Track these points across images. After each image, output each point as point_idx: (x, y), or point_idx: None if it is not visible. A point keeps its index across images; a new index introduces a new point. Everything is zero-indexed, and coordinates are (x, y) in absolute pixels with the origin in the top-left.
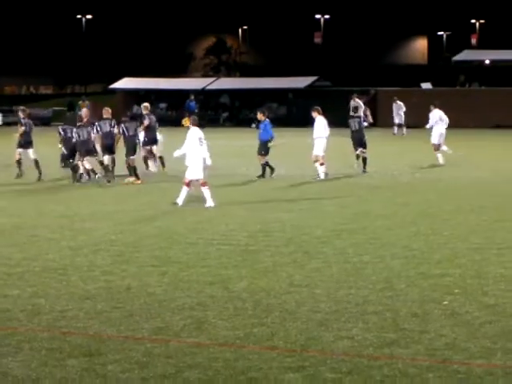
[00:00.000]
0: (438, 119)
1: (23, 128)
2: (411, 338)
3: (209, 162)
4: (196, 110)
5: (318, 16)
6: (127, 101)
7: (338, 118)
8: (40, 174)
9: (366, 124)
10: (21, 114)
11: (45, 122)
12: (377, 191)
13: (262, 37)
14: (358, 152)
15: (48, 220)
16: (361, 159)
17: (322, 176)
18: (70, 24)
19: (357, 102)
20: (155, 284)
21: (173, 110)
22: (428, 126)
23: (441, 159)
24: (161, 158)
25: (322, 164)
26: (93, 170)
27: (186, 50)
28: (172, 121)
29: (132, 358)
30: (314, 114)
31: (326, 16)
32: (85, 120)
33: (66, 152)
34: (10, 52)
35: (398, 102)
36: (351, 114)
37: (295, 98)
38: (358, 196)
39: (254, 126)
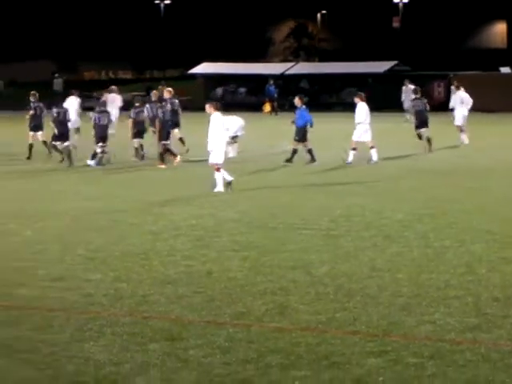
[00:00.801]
0: (459, 101)
1: (32, 112)
2: (493, 323)
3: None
4: (275, 95)
5: (396, 0)
6: (207, 85)
7: None
8: (62, 159)
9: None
10: (31, 98)
11: (124, 106)
12: (444, 176)
13: (340, 21)
14: (419, 132)
15: (126, 204)
16: (425, 139)
17: (350, 160)
18: (149, 9)
19: (409, 87)
20: (236, 269)
21: (252, 95)
22: (450, 107)
23: (465, 140)
24: (181, 139)
25: (353, 149)
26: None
27: (266, 34)
28: (252, 106)
29: (214, 343)
30: (357, 100)
31: (405, 0)
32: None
33: (56, 133)
34: (89, 38)
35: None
36: (416, 96)
37: (375, 83)
38: (427, 181)
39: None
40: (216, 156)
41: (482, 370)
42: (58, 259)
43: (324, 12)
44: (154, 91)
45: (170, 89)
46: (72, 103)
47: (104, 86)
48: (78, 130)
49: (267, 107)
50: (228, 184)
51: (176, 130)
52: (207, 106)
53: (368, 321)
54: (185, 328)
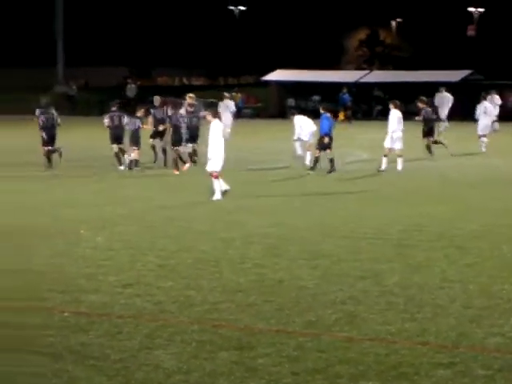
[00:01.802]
0: (482, 111)
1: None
2: None
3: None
4: (349, 103)
5: (471, 9)
6: (280, 92)
7: None
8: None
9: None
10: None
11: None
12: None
13: (414, 30)
14: (429, 139)
15: (196, 211)
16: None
17: (383, 167)
18: (223, 15)
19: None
20: (307, 277)
21: (326, 103)
22: (476, 117)
23: (483, 147)
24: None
25: (385, 155)
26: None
27: (339, 42)
28: None
29: (283, 352)
30: (391, 107)
31: (480, 9)
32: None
33: (45, 137)
34: (163, 43)
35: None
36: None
37: (449, 92)
38: (498, 190)
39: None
40: (214, 163)
41: None
42: (129, 266)
43: (399, 20)
44: (156, 96)
45: (191, 95)
46: (228, 105)
47: (177, 92)
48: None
49: (341, 115)
50: (224, 192)
51: (190, 145)
52: (206, 114)
53: (437, 332)
54: (254, 337)
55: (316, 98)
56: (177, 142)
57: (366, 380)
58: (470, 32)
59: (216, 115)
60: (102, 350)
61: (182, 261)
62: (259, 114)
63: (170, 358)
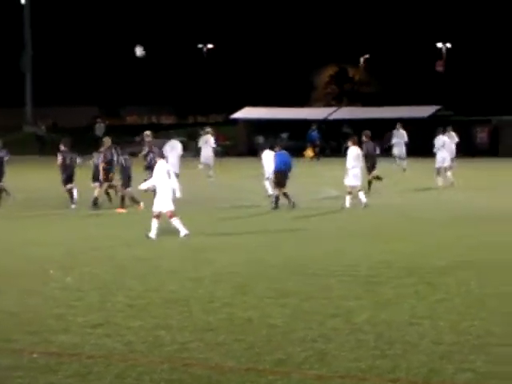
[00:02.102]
0: (441, 145)
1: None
2: None
3: (178, 194)
4: (318, 140)
5: (439, 45)
6: (249, 130)
7: (461, 148)
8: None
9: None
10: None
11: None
12: (483, 223)
13: (382, 65)
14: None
15: (164, 250)
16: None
17: (347, 205)
18: (191, 53)
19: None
20: (276, 315)
21: (295, 140)
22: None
23: (440, 182)
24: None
25: (349, 193)
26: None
27: (308, 79)
28: (294, 150)
29: None
30: (349, 144)
31: (448, 44)
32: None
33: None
34: (131, 82)
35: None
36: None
37: (417, 128)
38: (466, 228)
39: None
40: (161, 204)
41: None
42: (98, 306)
43: (367, 56)
44: (147, 132)
45: (108, 138)
46: (207, 140)
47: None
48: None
49: (309, 152)
50: (147, 237)
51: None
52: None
53: (408, 368)
54: (224, 375)
55: (285, 135)
56: (126, 182)
57: None
58: (439, 67)
59: (162, 156)
60: None
61: (152, 300)
62: (228, 151)
63: None
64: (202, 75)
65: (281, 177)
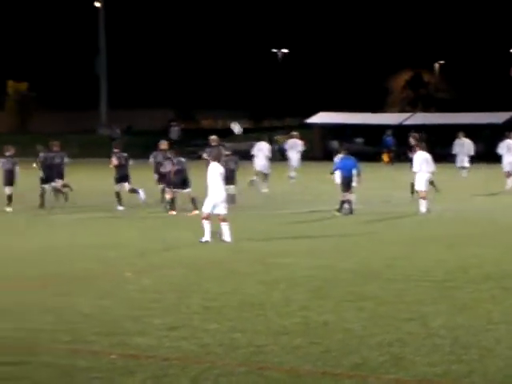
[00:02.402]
0: (507, 148)
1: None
2: None
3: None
4: (392, 146)
5: None
6: (323, 135)
7: None
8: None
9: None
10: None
11: (243, 155)
12: None
13: (457, 71)
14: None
15: (242, 254)
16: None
17: (423, 209)
18: (266, 58)
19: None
20: (352, 319)
21: (370, 145)
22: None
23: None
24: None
25: (422, 198)
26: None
27: (383, 84)
28: (369, 156)
29: None
30: (416, 149)
31: None
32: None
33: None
34: (206, 85)
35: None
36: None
37: (492, 134)
38: None
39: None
40: (209, 204)
41: None
42: (175, 308)
43: (441, 62)
44: (213, 136)
45: (164, 141)
46: (262, 148)
47: (221, 134)
48: (266, 175)
49: (385, 157)
50: (202, 242)
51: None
52: (204, 155)
53: (484, 373)
54: (300, 379)
55: (359, 140)
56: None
57: None
58: None
59: (215, 158)
60: None
61: (228, 303)
62: (303, 156)
63: None
64: (276, 80)
65: (344, 180)
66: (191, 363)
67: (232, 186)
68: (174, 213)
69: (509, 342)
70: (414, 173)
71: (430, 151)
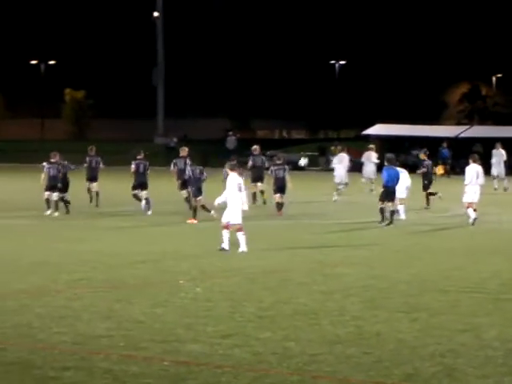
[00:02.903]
0: None
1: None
2: None
3: (245, 207)
4: (449, 158)
5: None
6: (380, 147)
7: None
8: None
9: None
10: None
11: (297, 166)
12: None
13: None
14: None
15: (295, 263)
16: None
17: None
18: (324, 69)
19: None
20: (405, 330)
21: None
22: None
23: None
24: (262, 191)
25: (470, 208)
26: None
27: (440, 97)
28: None
29: None
30: (470, 161)
31: None
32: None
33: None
34: (262, 95)
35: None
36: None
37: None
38: None
39: None
40: (230, 215)
41: None
42: (228, 316)
43: (499, 75)
44: (255, 146)
45: (185, 148)
46: (342, 160)
47: (276, 144)
48: (346, 184)
49: (440, 169)
50: (221, 250)
51: (259, 184)
52: (226, 167)
53: None
54: None
55: (416, 152)
56: (195, 192)
57: None
58: None
59: (234, 169)
60: None
61: (281, 312)
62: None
63: None
64: (333, 91)
65: (386, 191)
66: (244, 371)
67: (278, 195)
68: (194, 222)
69: None
70: (465, 185)
71: (485, 164)
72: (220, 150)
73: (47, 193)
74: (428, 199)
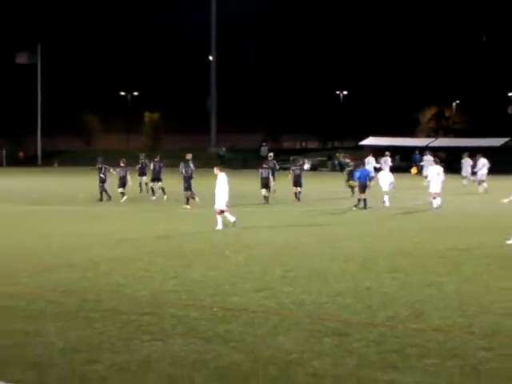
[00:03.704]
0: (482, 166)
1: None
2: None
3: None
4: (419, 161)
5: (510, 94)
6: (373, 154)
7: None
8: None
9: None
10: (121, 163)
11: (312, 168)
12: None
13: (469, 108)
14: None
15: (309, 238)
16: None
17: (434, 206)
18: (332, 97)
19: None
20: (388, 285)
21: (404, 161)
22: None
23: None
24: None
25: (434, 198)
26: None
27: (415, 116)
28: (403, 169)
29: (370, 338)
30: (432, 163)
31: None
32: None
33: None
34: (288, 117)
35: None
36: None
37: (492, 154)
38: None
39: None
40: (220, 203)
41: None
42: (260, 276)
43: (458, 101)
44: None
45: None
46: (370, 161)
47: (299, 152)
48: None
49: (414, 170)
50: (234, 223)
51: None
52: (215, 169)
53: (480, 325)
54: (350, 327)
55: (397, 157)
56: (185, 187)
57: (428, 358)
58: (510, 110)
59: (222, 169)
60: (241, 336)
61: (299, 273)
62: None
63: (289, 342)
64: (339, 113)
65: (361, 185)
66: (271, 315)
67: (297, 188)
68: (187, 207)
69: (501, 303)
70: (429, 181)
71: (448, 167)
72: (256, 156)
73: (120, 189)
74: (352, 189)
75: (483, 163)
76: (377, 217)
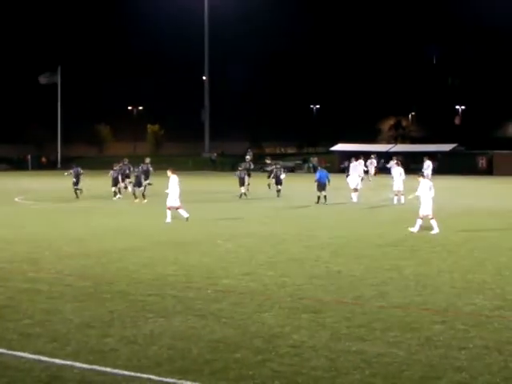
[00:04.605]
0: (427, 167)
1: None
2: None
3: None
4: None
5: (457, 107)
6: (340, 158)
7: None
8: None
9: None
10: (114, 166)
11: (289, 169)
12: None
13: (423, 119)
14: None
15: (288, 229)
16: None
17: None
18: (306, 111)
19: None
20: (356, 269)
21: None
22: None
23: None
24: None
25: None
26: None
27: (377, 125)
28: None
29: (341, 314)
30: (394, 165)
31: (463, 107)
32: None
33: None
34: (269, 127)
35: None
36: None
37: (443, 157)
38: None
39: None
40: (170, 200)
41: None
42: (247, 262)
43: (413, 113)
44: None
45: (148, 158)
46: (355, 167)
47: (277, 157)
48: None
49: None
50: (187, 218)
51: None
52: (168, 171)
53: (433, 303)
54: (324, 305)
55: (382, 160)
56: (136, 183)
57: (391, 331)
58: (457, 121)
59: (174, 171)
60: (230, 313)
61: (280, 259)
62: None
63: (272, 318)
64: (312, 124)
65: (319, 184)
66: (257, 295)
67: (279, 186)
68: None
69: (451, 284)
70: (394, 180)
71: (405, 167)
72: (242, 160)
73: (113, 188)
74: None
75: (428, 164)
76: (342, 210)
